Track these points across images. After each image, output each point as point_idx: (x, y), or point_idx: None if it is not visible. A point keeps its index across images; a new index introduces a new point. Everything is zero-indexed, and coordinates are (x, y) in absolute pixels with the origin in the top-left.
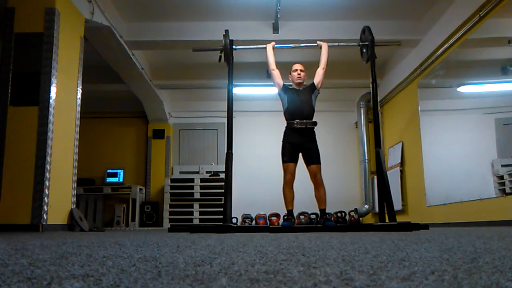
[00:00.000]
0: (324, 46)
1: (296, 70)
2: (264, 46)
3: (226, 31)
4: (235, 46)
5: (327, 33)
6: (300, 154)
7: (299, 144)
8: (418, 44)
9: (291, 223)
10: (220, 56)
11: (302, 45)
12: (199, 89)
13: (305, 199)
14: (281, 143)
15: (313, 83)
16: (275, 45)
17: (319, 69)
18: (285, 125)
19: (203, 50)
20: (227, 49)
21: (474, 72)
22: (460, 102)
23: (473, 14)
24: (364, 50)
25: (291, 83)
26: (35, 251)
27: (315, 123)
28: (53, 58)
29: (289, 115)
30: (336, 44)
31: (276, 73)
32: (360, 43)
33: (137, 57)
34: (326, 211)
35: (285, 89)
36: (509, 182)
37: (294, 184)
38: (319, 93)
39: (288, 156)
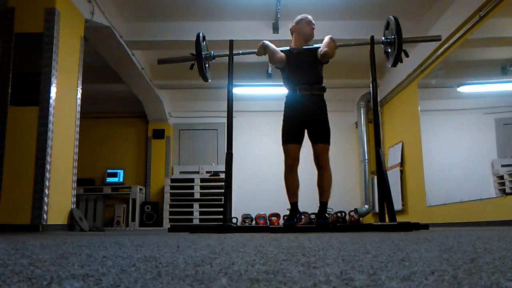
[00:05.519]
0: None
1: (310, 23)
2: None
3: (198, 35)
4: (214, 52)
5: (327, 33)
6: (306, 131)
7: (304, 117)
8: (418, 44)
9: (294, 221)
10: (193, 65)
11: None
12: (199, 89)
13: (304, 199)
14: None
15: (316, 49)
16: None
17: (327, 39)
18: (286, 95)
19: (170, 62)
20: (200, 57)
21: (474, 72)
22: (460, 102)
23: (473, 14)
24: (389, 50)
25: (287, 47)
26: (35, 251)
27: (323, 89)
28: (53, 58)
29: (289, 81)
30: (353, 44)
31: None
32: (384, 41)
33: (137, 57)
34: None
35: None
36: (509, 182)
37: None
38: (325, 63)
39: (289, 135)
